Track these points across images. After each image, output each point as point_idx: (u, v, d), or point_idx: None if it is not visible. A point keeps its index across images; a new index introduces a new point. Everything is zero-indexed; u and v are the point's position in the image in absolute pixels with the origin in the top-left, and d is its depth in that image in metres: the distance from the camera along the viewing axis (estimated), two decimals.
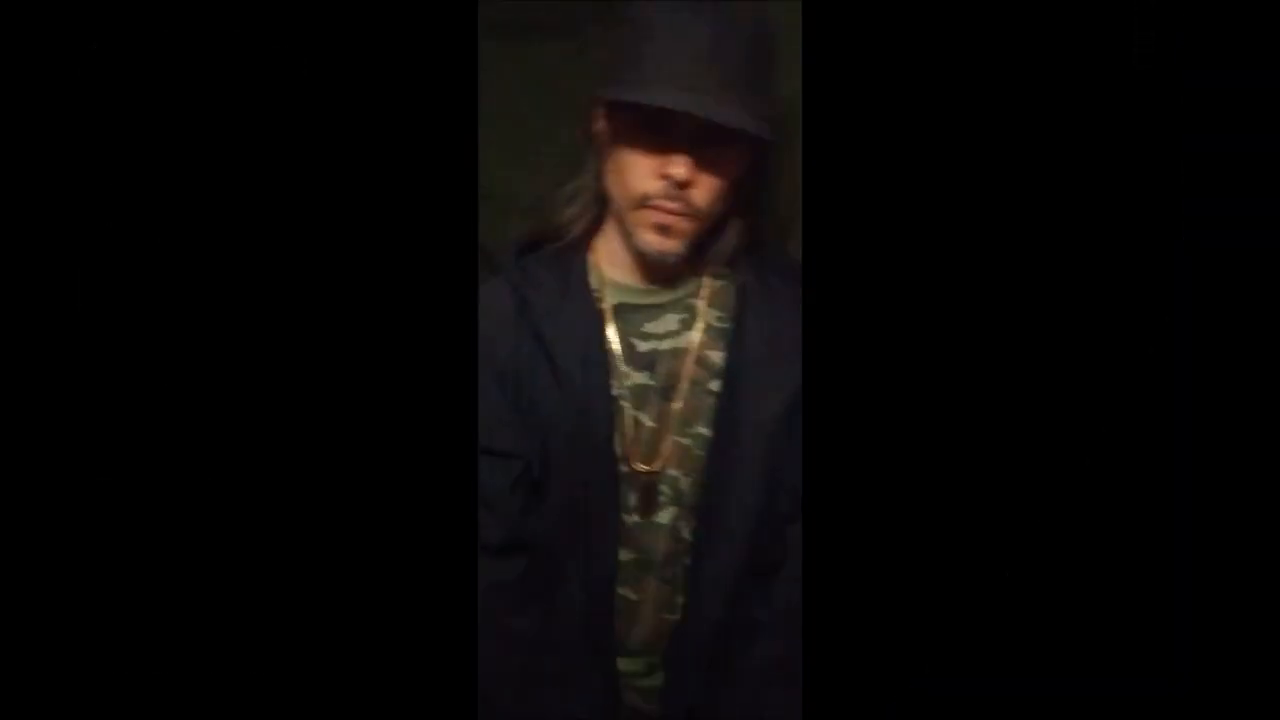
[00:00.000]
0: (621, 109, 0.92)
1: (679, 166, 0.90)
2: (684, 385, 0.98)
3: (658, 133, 0.91)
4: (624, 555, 0.97)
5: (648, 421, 0.98)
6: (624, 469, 0.97)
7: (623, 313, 1.00)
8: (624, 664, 0.99)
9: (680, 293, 1.00)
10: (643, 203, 0.93)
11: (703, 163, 0.91)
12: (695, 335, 0.99)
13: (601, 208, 1.00)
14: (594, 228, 1.01)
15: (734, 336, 0.99)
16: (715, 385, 0.98)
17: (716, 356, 0.99)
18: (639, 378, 0.98)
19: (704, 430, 0.97)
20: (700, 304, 1.00)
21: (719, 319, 1.00)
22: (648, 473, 0.97)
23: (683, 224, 0.93)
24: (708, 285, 1.00)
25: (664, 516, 0.98)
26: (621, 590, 0.98)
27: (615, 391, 0.97)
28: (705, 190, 0.92)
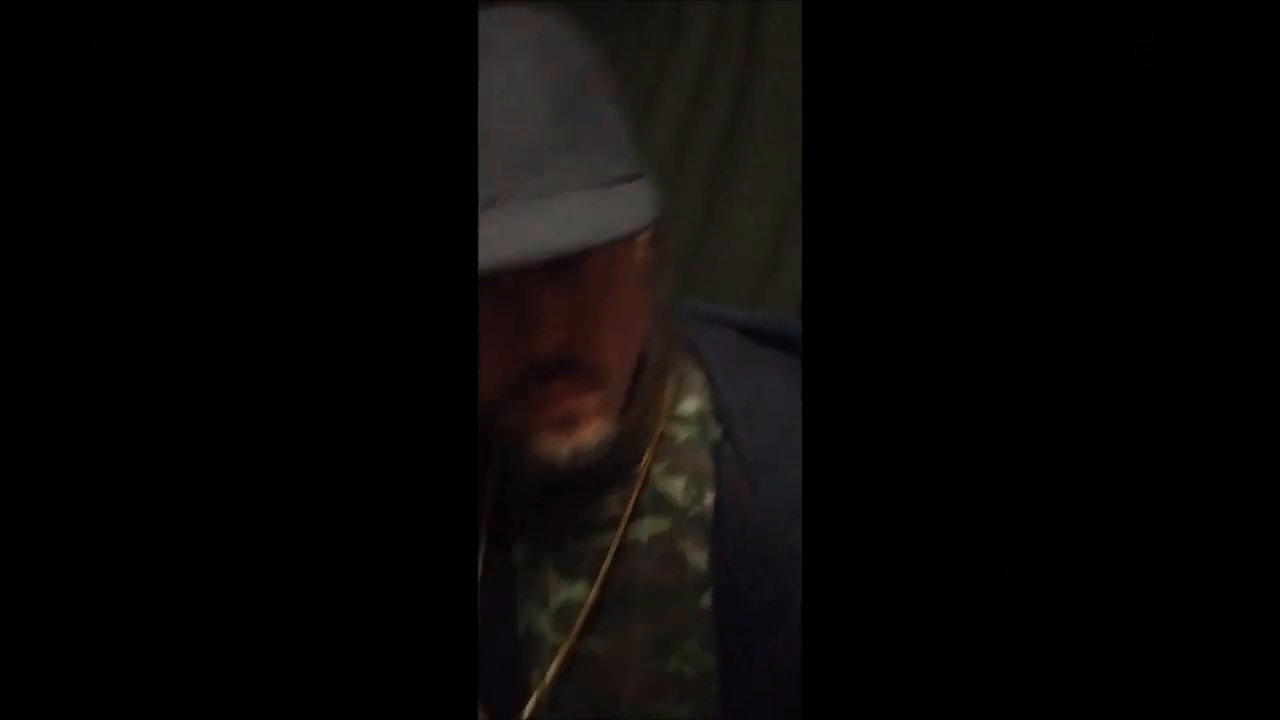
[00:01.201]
0: None
1: (537, 336, 0.61)
2: (656, 598, 0.67)
3: (493, 295, 0.61)
4: None
5: (605, 652, 0.68)
6: None
7: (540, 504, 0.70)
8: None
9: (620, 461, 0.68)
10: (517, 401, 0.64)
11: (570, 300, 0.62)
12: (649, 527, 0.68)
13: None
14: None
15: (716, 524, 0.67)
16: (705, 598, 0.67)
17: (696, 557, 0.68)
18: (571, 591, 0.68)
19: (707, 661, 0.68)
20: (655, 475, 0.68)
21: (688, 495, 0.68)
22: None
23: (590, 400, 0.64)
24: (655, 439, 0.68)
25: None
26: None
27: (522, 627, 0.68)
28: (593, 338, 0.63)
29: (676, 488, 0.68)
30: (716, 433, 0.68)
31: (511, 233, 0.57)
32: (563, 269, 0.60)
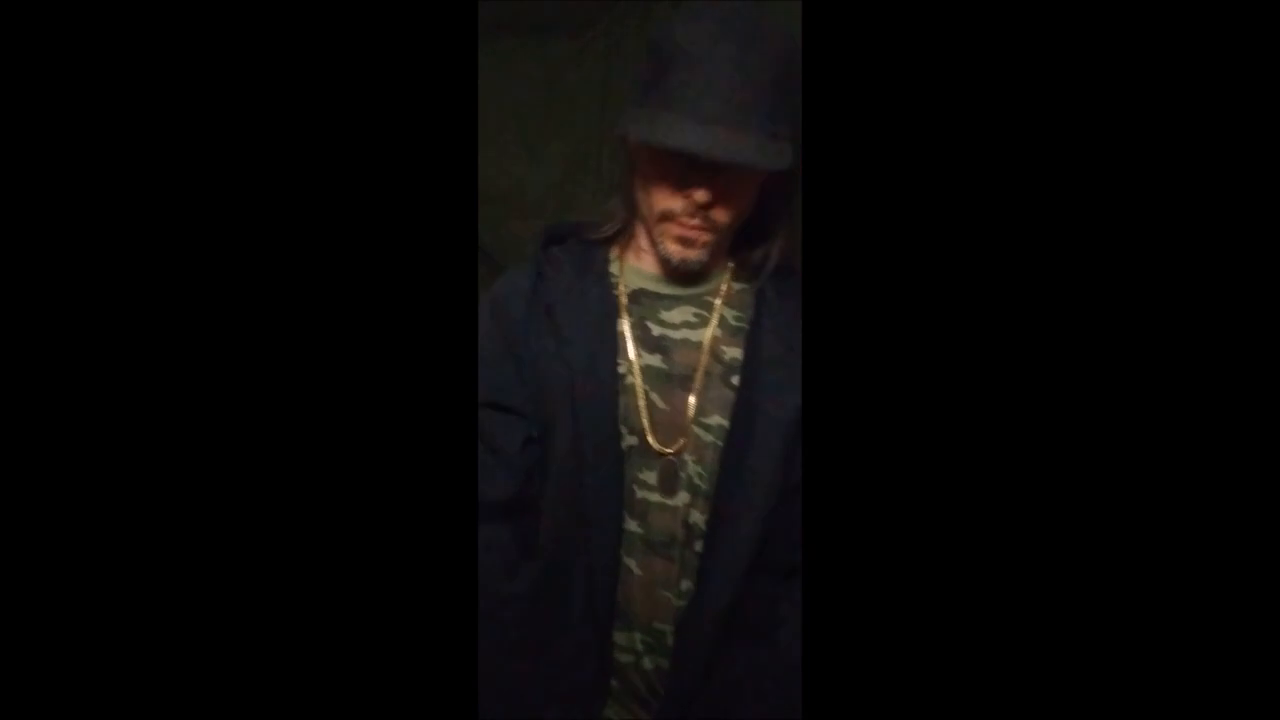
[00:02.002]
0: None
1: (699, 192, 0.96)
2: (699, 375, 1.01)
3: (679, 159, 0.95)
4: (631, 527, 0.99)
5: (661, 404, 1.01)
6: (635, 442, 1.00)
7: (639, 298, 1.05)
8: (619, 637, 1.01)
9: (699, 290, 1.06)
10: (666, 218, 0.99)
11: (723, 186, 0.96)
12: (711, 330, 1.03)
13: (631, 213, 1.05)
14: (623, 229, 1.07)
15: (751, 335, 1.04)
16: (734, 379, 1.02)
17: (733, 352, 1.03)
18: (651, 359, 1.02)
19: (721, 421, 1.01)
20: (718, 302, 1.05)
21: (736, 318, 1.05)
22: (668, 454, 1.00)
23: (704, 236, 0.99)
24: (727, 286, 1.05)
25: (679, 499, 1.00)
26: (626, 560, 1.00)
27: (623, 369, 1.01)
28: (726, 210, 0.98)
29: (730, 315, 1.05)
30: (765, 285, 1.06)
31: (719, 140, 0.92)
32: (731, 169, 0.96)
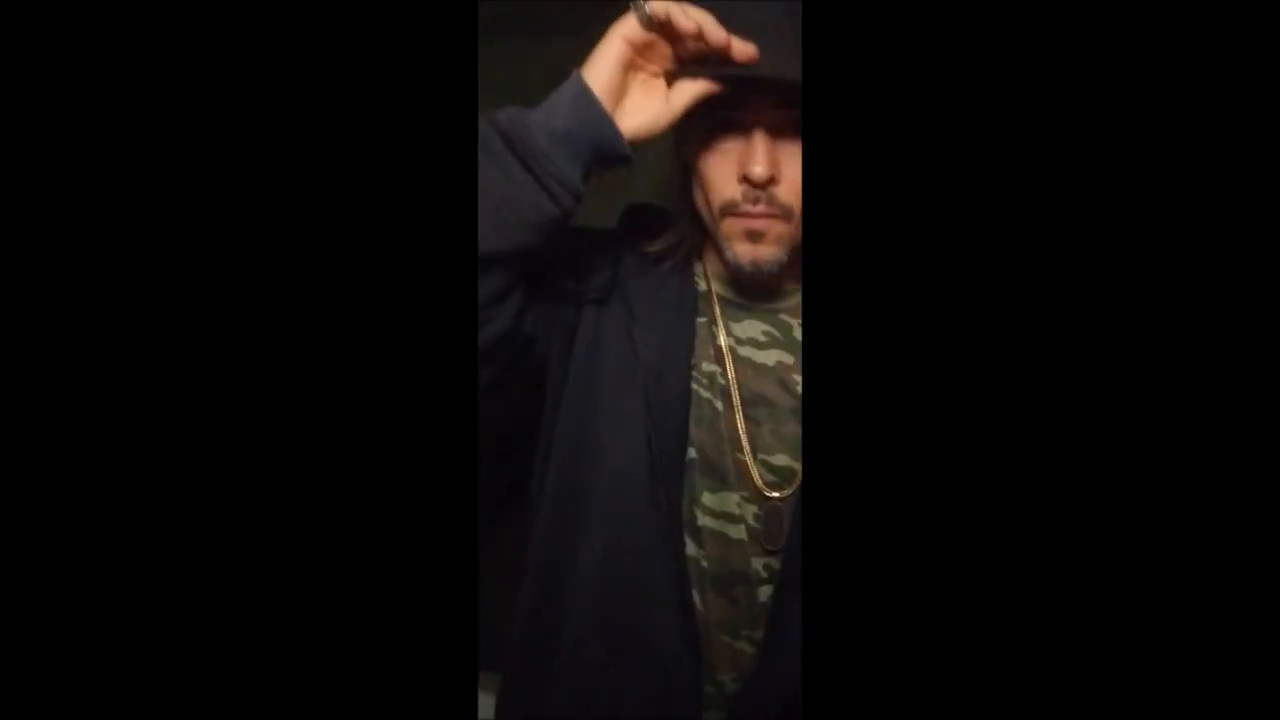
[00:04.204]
0: (698, 120, 0.87)
1: (757, 164, 0.85)
2: (762, 406, 0.92)
3: (733, 131, 0.86)
4: (692, 552, 0.91)
5: (723, 431, 0.92)
6: (695, 457, 0.91)
7: (715, 301, 0.96)
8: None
9: (774, 304, 0.95)
10: (728, 211, 0.88)
11: (785, 155, 0.86)
12: (782, 355, 0.93)
13: (697, 231, 0.95)
14: (691, 251, 0.97)
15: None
16: (797, 427, 0.91)
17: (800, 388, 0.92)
18: (713, 369, 0.93)
19: (790, 463, 0.92)
20: (794, 321, 0.94)
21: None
22: (775, 499, 0.91)
23: (776, 227, 0.88)
24: (799, 289, 0.94)
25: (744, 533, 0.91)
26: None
27: (699, 377, 0.92)
28: (792, 186, 0.87)
29: (799, 328, 0.93)
30: None
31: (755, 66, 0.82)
32: (783, 126, 0.86)
